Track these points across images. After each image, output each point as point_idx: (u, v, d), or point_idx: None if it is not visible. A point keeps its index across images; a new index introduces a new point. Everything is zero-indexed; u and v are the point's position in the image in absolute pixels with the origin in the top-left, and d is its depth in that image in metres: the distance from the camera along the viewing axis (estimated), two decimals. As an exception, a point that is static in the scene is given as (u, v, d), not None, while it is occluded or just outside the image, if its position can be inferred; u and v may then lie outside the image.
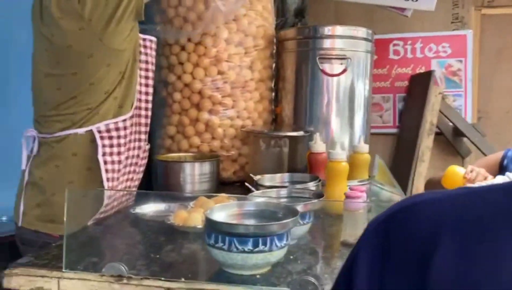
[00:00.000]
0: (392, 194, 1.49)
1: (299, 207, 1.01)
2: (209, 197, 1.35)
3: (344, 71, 1.79)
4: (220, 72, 1.77)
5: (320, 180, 1.34)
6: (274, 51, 1.96)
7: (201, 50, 1.75)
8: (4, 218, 1.80)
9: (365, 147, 1.61)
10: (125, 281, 0.88)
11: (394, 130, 2.95)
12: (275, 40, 1.95)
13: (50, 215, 1.26)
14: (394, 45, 2.93)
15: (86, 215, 1.22)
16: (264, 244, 0.87)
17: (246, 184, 1.35)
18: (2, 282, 0.91)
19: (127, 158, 1.34)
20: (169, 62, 1.80)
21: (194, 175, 1.61)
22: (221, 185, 1.75)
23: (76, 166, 1.28)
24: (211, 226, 0.90)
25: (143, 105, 1.43)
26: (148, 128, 1.47)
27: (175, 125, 1.83)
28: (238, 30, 1.78)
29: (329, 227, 1.21)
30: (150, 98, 1.46)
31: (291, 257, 0.97)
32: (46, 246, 1.18)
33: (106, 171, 1.26)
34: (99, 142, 1.26)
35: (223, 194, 1.43)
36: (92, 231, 1.20)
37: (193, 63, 1.77)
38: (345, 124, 1.86)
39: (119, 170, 1.31)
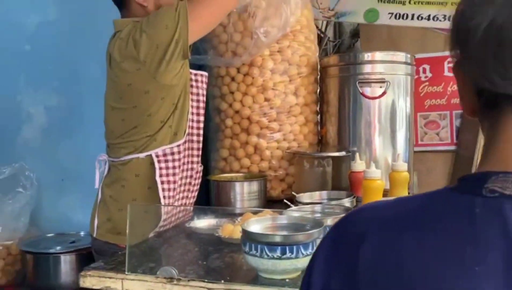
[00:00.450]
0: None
1: (329, 220, 1.13)
2: (254, 212, 1.50)
3: (384, 94, 1.89)
4: (266, 99, 1.93)
5: (354, 197, 1.45)
6: (318, 76, 2.10)
7: (249, 80, 1.93)
8: (82, 233, 2.06)
9: (403, 165, 1.68)
10: (175, 282, 1.05)
11: (451, 147, 2.94)
12: (318, 66, 2.09)
13: (118, 228, 1.47)
14: (449, 62, 2.95)
15: (147, 228, 1.42)
16: (291, 251, 1.01)
17: (285, 201, 1.49)
18: (79, 282, 1.12)
19: (181, 178, 1.53)
20: (221, 92, 2.00)
21: (243, 193, 1.77)
22: (270, 203, 1.89)
23: (138, 186, 1.48)
24: (247, 236, 1.05)
25: (195, 131, 1.62)
26: (200, 152, 1.66)
27: (228, 148, 2.01)
28: (283, 60, 1.94)
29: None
30: (201, 125, 1.65)
31: (319, 265, 1.09)
32: (115, 254, 1.40)
33: (163, 190, 1.45)
34: (156, 165, 1.46)
35: (267, 210, 1.58)
36: (152, 242, 1.39)
37: (242, 92, 1.95)
38: (387, 143, 1.94)
39: (174, 189, 1.50)
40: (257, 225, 1.12)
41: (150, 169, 1.47)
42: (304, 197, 1.50)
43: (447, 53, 2.90)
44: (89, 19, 2.19)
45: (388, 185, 1.64)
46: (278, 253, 1.01)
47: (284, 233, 1.11)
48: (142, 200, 1.46)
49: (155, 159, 1.46)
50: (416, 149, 2.30)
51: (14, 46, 2.27)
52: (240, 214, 1.66)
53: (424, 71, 2.74)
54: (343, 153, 1.82)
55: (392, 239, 0.49)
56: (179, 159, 1.51)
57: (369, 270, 0.49)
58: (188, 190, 1.61)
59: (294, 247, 1.01)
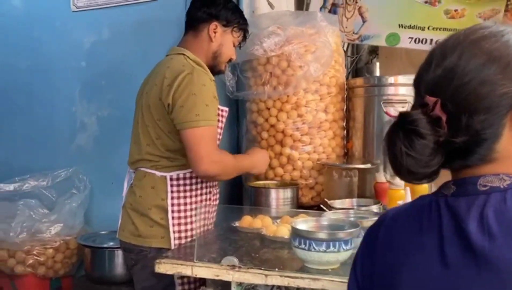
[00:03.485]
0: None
1: (363, 222, 1.36)
2: (291, 216, 1.73)
3: (405, 113, 2.11)
4: (299, 115, 2.16)
5: (381, 204, 1.67)
6: (345, 95, 2.32)
7: (284, 98, 2.16)
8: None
9: (422, 178, 1.90)
10: (237, 269, 1.28)
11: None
12: (345, 86, 2.31)
13: (137, 232, 1.68)
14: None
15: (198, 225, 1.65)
16: (334, 246, 1.23)
17: (322, 206, 1.71)
18: (155, 268, 1.35)
19: (196, 202, 1.69)
20: (258, 107, 2.23)
21: (278, 198, 2.00)
22: (301, 208, 2.11)
23: (153, 197, 1.66)
24: (296, 233, 1.28)
25: None
26: None
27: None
28: (315, 81, 2.16)
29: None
30: None
31: (355, 259, 1.32)
32: (140, 253, 1.66)
33: (172, 211, 1.64)
34: (169, 188, 1.64)
35: (303, 213, 1.81)
36: (207, 238, 1.63)
37: (278, 109, 2.18)
38: (408, 157, 2.15)
39: (185, 211, 1.66)
40: (303, 224, 1.35)
41: (164, 184, 1.65)
42: (337, 203, 1.73)
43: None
44: (138, 40, 2.44)
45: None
46: (323, 247, 1.23)
47: (327, 231, 1.33)
48: (156, 210, 1.65)
49: (169, 183, 1.65)
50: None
51: (72, 63, 2.50)
52: (277, 217, 1.89)
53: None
54: (368, 165, 2.04)
55: (392, 227, 0.76)
56: (193, 184, 1.68)
57: (382, 245, 0.76)
58: (208, 211, 1.76)
59: (337, 243, 1.23)
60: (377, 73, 4.16)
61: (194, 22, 1.78)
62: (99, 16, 2.47)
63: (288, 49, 2.11)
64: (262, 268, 1.26)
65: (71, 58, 2.51)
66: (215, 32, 1.76)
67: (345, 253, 1.25)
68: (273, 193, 2.00)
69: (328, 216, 1.47)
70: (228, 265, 1.29)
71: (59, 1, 2.52)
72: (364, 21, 2.82)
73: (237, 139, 2.48)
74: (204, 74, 1.67)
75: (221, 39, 1.77)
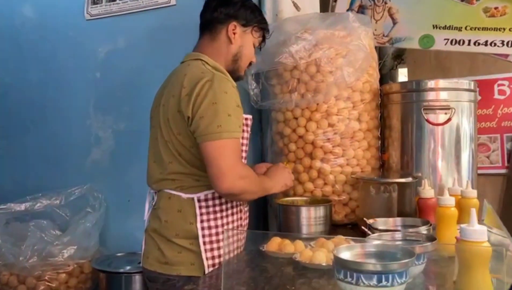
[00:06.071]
0: (502, 238, 1.55)
1: (415, 249, 1.16)
2: (328, 238, 1.54)
3: (449, 120, 1.91)
4: (330, 125, 1.98)
5: (431, 224, 1.47)
6: (380, 102, 2.13)
7: (313, 107, 1.98)
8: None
9: (473, 192, 1.69)
10: (271, 307, 1.09)
11: (502, 171, 2.90)
12: (380, 92, 2.12)
13: (163, 259, 1.52)
14: (499, 85, 2.92)
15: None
16: (387, 280, 1.04)
17: (363, 227, 1.52)
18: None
19: (227, 223, 1.54)
20: (285, 117, 2.05)
21: (310, 217, 1.81)
22: (333, 226, 1.92)
23: (180, 221, 1.51)
24: (341, 263, 1.08)
25: None
26: None
27: (291, 172, 2.05)
28: (347, 87, 1.98)
29: (442, 268, 1.32)
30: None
31: (410, 293, 1.11)
32: (166, 282, 1.49)
33: (203, 236, 1.49)
34: (197, 211, 1.49)
35: (340, 236, 1.61)
36: (235, 265, 1.44)
37: (306, 118, 2.00)
38: (452, 168, 1.95)
39: (217, 233, 1.51)
40: (347, 252, 1.15)
41: (192, 206, 1.51)
42: (379, 223, 1.53)
43: (497, 75, 2.93)
44: (155, 47, 2.30)
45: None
46: (374, 281, 1.04)
47: (374, 260, 1.14)
48: (183, 235, 1.50)
49: (197, 205, 1.50)
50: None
51: (86, 74, 2.39)
52: (309, 238, 1.70)
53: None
54: (409, 179, 1.84)
55: None
56: (222, 204, 1.53)
57: None
58: (238, 233, 1.60)
59: (390, 276, 1.04)
60: (400, 80, 3.98)
61: (210, 24, 1.63)
62: (114, 24, 2.37)
63: (318, 54, 1.94)
64: (302, 306, 1.07)
65: (85, 69, 2.40)
66: (234, 33, 1.60)
67: (399, 287, 1.06)
68: (304, 211, 1.80)
69: (374, 241, 1.27)
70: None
71: (72, 10, 2.42)
72: (394, 23, 2.66)
73: (261, 152, 2.31)
74: (226, 80, 1.51)
75: (241, 40, 1.62)
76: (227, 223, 1.54)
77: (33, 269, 1.98)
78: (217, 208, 1.52)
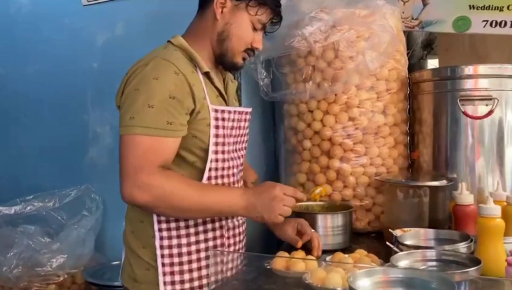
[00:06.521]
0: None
1: (453, 277, 0.90)
2: (346, 252, 1.29)
3: (491, 112, 1.63)
4: (351, 119, 1.73)
5: (472, 240, 1.20)
6: (408, 93, 1.87)
7: (331, 98, 1.73)
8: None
9: (522, 199, 1.42)
10: None
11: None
12: (408, 81, 1.86)
13: (133, 275, 1.31)
14: (543, 73, 2.61)
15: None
16: (418, 321, 0.79)
17: (388, 243, 1.26)
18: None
19: (196, 243, 1.30)
20: (298, 110, 1.81)
21: (327, 227, 1.56)
22: (355, 235, 1.67)
23: (143, 233, 1.29)
24: (357, 296, 0.84)
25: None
26: None
27: (306, 172, 1.82)
28: (370, 75, 1.73)
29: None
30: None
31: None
32: None
33: (162, 256, 1.26)
34: (156, 226, 1.26)
35: (361, 250, 1.36)
36: (237, 285, 1.22)
37: (323, 111, 1.76)
38: (494, 169, 1.68)
39: (179, 254, 1.28)
40: (365, 279, 0.91)
41: (150, 217, 1.28)
42: (408, 237, 1.27)
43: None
44: (156, 35, 2.08)
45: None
46: (401, 322, 0.79)
47: (402, 292, 0.89)
48: (150, 250, 1.28)
49: (155, 217, 1.27)
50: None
51: (82, 64, 2.23)
52: (324, 251, 1.46)
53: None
54: (443, 182, 1.57)
55: None
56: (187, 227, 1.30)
57: None
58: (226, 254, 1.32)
59: (422, 316, 0.79)
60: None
61: (201, 0, 1.38)
62: (112, 9, 2.19)
63: (336, 37, 1.69)
64: None
65: (82, 59, 2.23)
66: (223, 8, 1.32)
67: (436, 331, 0.81)
68: (319, 219, 1.56)
69: (400, 263, 1.02)
70: None
71: (68, -6, 2.24)
72: (425, 4, 2.37)
73: (274, 150, 2.07)
74: (166, 64, 1.22)
75: (229, 16, 1.32)
76: (197, 243, 1.28)
77: (19, 280, 1.80)
78: (181, 223, 1.27)
